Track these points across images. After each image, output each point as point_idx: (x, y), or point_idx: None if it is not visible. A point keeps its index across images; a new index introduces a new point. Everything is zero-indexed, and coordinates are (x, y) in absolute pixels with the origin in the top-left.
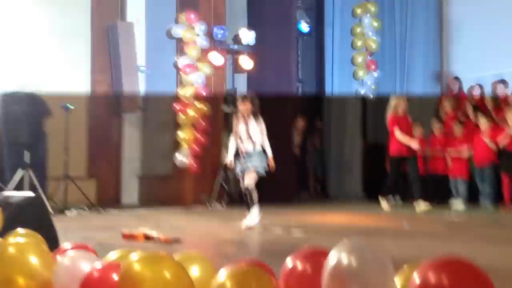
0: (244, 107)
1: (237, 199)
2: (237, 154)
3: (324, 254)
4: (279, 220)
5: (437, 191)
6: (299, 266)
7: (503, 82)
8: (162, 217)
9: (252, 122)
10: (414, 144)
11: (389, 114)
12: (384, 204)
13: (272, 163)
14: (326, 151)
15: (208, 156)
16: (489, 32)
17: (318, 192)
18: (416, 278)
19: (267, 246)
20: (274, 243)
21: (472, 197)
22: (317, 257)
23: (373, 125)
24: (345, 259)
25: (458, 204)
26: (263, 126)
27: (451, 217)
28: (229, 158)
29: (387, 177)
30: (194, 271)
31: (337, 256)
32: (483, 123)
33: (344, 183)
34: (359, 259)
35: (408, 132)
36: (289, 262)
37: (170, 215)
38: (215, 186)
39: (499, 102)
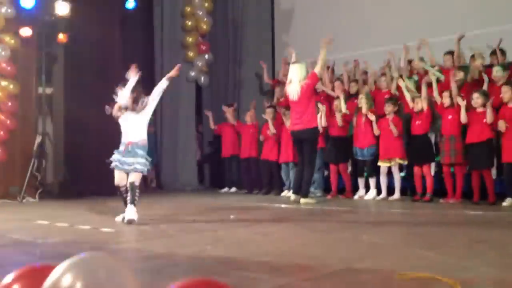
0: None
1: (53, 190)
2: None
3: (47, 271)
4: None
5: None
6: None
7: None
8: None
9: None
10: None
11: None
12: (311, 200)
13: None
14: (158, 138)
15: (18, 142)
16: (317, 20)
17: (149, 182)
18: None
19: (63, 247)
20: (73, 242)
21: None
22: (37, 275)
23: (208, 111)
24: (66, 283)
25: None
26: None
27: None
28: None
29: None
30: None
31: (56, 279)
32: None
33: (178, 173)
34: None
35: None
36: (5, 280)
37: None
38: (26, 176)
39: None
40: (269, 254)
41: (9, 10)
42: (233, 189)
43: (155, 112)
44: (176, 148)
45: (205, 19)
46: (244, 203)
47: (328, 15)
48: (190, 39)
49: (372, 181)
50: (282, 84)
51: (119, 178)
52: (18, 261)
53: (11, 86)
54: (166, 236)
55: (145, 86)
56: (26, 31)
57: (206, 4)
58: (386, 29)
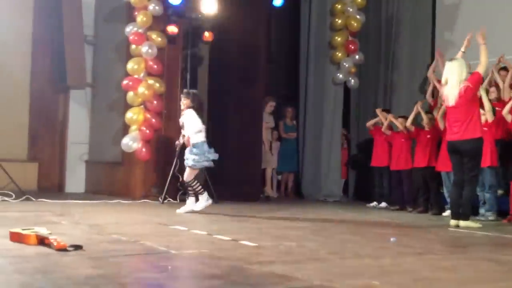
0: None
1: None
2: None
3: None
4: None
5: None
6: None
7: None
8: (94, 211)
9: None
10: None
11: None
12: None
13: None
14: (300, 143)
15: (162, 142)
16: (487, 17)
17: (290, 191)
18: None
19: (198, 263)
20: (210, 256)
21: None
22: None
23: (356, 116)
24: None
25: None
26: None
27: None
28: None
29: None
30: None
31: None
32: None
33: (321, 182)
34: None
35: None
36: None
37: (105, 209)
38: (168, 177)
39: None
40: None
41: (156, 7)
42: (383, 204)
43: (297, 117)
44: (319, 156)
45: (356, 16)
46: (399, 221)
47: (502, 10)
48: (339, 39)
49: None
50: None
51: None
52: (147, 279)
53: (157, 85)
54: (318, 259)
55: (289, 86)
56: (172, 29)
57: (359, 0)
58: None
